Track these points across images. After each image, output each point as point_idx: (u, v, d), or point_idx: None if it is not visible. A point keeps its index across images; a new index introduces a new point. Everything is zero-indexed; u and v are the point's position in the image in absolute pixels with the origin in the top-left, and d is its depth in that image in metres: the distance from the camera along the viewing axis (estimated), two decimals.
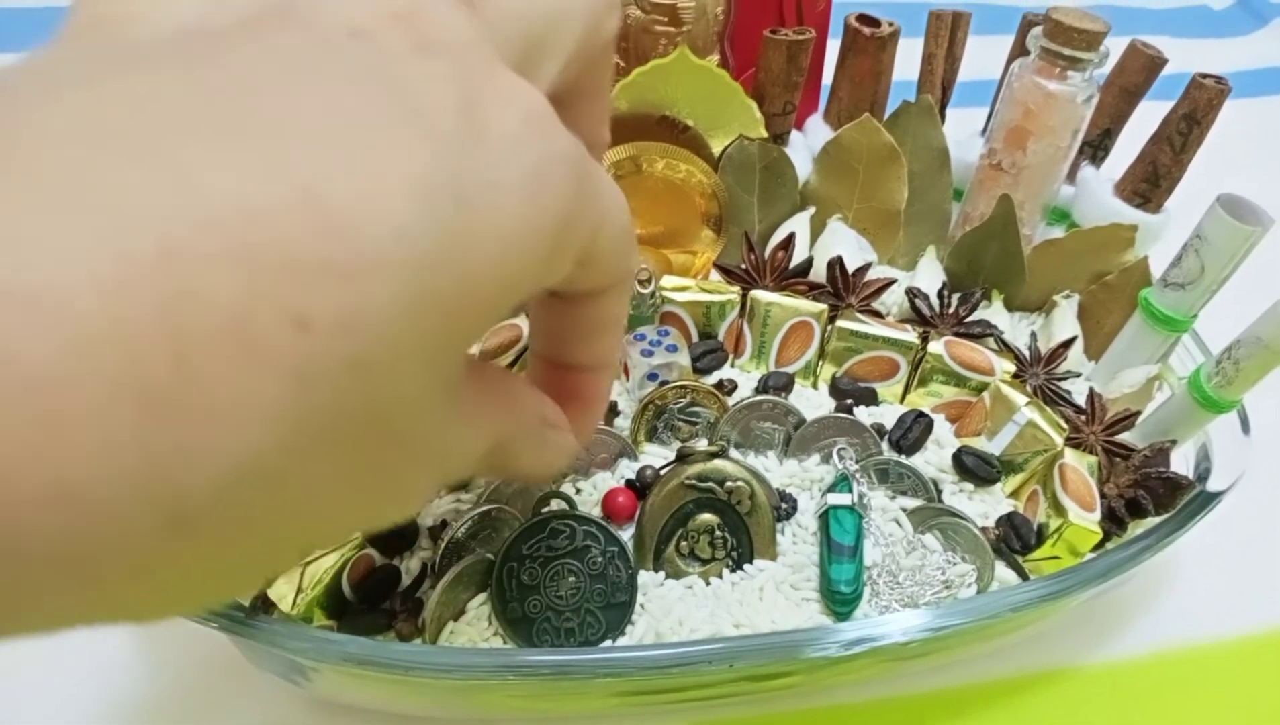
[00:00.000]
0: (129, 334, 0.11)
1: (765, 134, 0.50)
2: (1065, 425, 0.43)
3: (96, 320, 0.11)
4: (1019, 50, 0.50)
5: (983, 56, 0.58)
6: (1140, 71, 0.49)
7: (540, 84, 0.19)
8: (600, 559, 0.38)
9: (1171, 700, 0.44)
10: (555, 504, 0.39)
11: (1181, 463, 0.46)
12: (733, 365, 0.48)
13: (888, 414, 0.45)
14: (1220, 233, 0.42)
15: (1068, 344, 0.46)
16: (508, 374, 0.23)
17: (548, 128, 0.17)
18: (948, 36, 0.51)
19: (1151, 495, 0.41)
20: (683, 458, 0.40)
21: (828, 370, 0.47)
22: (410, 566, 0.39)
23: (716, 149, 0.50)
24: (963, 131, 0.54)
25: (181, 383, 0.12)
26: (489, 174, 0.15)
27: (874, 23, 0.50)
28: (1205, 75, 0.47)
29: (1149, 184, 0.49)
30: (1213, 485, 0.43)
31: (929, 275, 0.50)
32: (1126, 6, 1.01)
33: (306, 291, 0.12)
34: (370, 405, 0.14)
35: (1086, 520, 0.40)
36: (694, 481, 0.39)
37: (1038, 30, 0.46)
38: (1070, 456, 0.42)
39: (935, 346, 0.45)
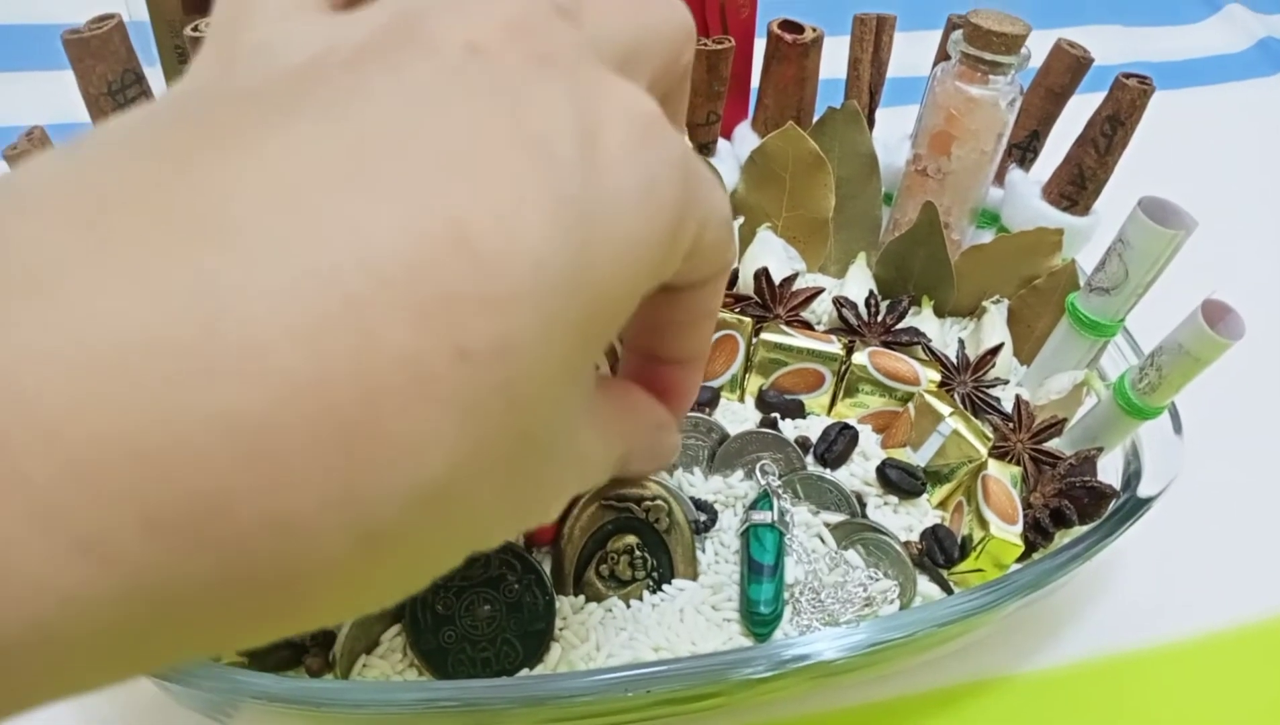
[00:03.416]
0: (326, 383, 0.13)
1: (690, 144, 0.49)
2: (990, 435, 0.43)
3: (300, 372, 0.13)
4: (943, 54, 0.50)
5: (913, 53, 0.58)
6: (1066, 72, 0.49)
7: None
8: (516, 586, 0.37)
9: (1106, 708, 0.44)
10: None
11: (1114, 466, 0.45)
12: None
13: (815, 426, 0.45)
14: (1142, 237, 0.42)
15: (995, 351, 0.46)
16: (629, 385, 0.25)
17: (659, 130, 0.17)
18: (873, 41, 0.51)
19: (1076, 505, 0.41)
20: None
21: (755, 383, 0.46)
22: None
23: None
24: (893, 135, 0.54)
25: (370, 421, 0.13)
26: (610, 185, 0.16)
27: (797, 28, 0.50)
28: (1129, 75, 0.47)
29: (1075, 186, 0.48)
30: (1143, 490, 0.42)
31: (858, 283, 0.49)
32: None
33: (464, 326, 0.14)
34: (524, 423, 0.15)
35: (1008, 533, 0.39)
36: (611, 501, 0.39)
37: (958, 34, 0.46)
38: (993, 467, 0.42)
39: (860, 357, 0.45)
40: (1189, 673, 0.46)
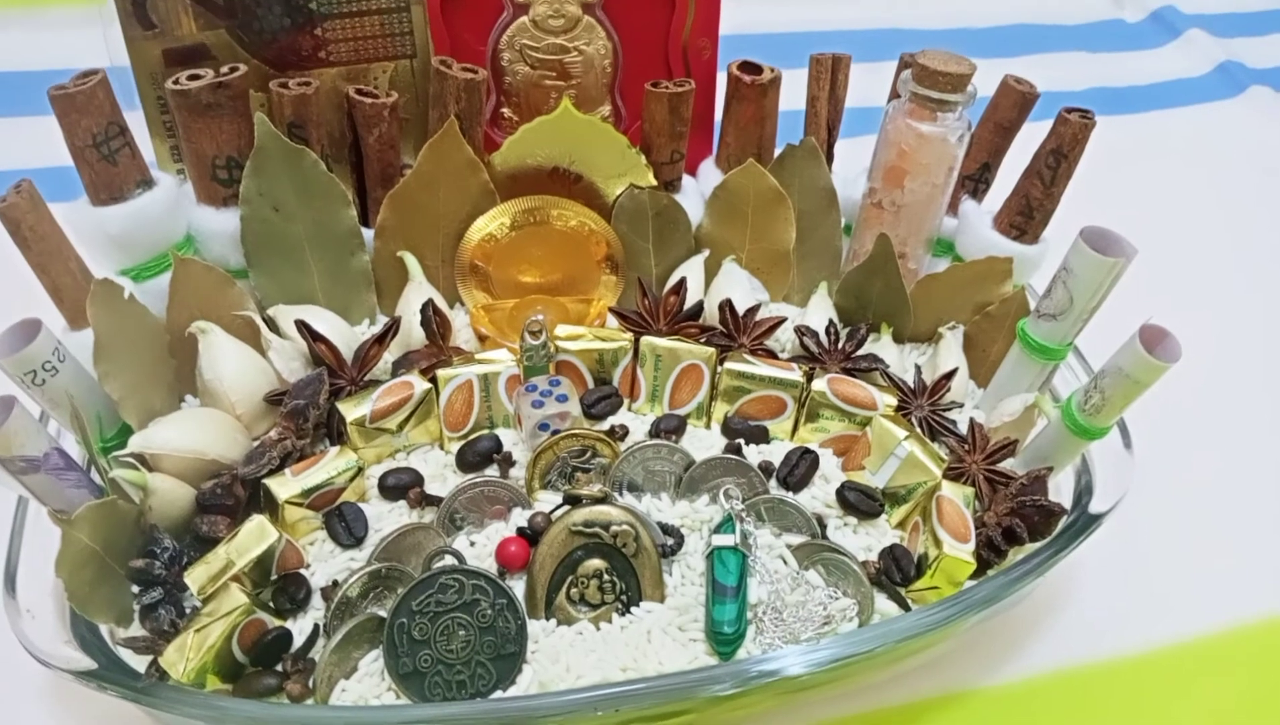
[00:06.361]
0: None
1: (655, 182, 0.52)
2: (944, 457, 0.45)
3: None
4: (895, 92, 0.52)
5: (872, 84, 0.60)
6: (1013, 108, 0.51)
7: None
8: (490, 611, 0.39)
9: (1069, 720, 0.46)
10: (446, 559, 0.40)
11: (1068, 483, 0.47)
12: (629, 409, 0.49)
13: (778, 451, 0.47)
14: (1084, 265, 0.43)
15: (950, 376, 0.48)
16: None
17: None
18: (829, 79, 0.53)
19: (1027, 523, 0.42)
20: (570, 501, 0.41)
21: (720, 410, 0.48)
22: (303, 627, 0.40)
23: (612, 198, 0.52)
24: (852, 168, 0.56)
25: None
26: None
27: (756, 69, 0.52)
28: (1071, 109, 0.49)
29: (1024, 216, 0.50)
30: (1096, 506, 0.44)
31: (819, 311, 0.51)
32: (1041, 24, 1.03)
33: None
34: None
35: (960, 551, 0.41)
36: (580, 527, 0.40)
37: (907, 74, 0.48)
38: (947, 488, 0.43)
39: (819, 384, 0.46)
40: (1148, 684, 0.47)
